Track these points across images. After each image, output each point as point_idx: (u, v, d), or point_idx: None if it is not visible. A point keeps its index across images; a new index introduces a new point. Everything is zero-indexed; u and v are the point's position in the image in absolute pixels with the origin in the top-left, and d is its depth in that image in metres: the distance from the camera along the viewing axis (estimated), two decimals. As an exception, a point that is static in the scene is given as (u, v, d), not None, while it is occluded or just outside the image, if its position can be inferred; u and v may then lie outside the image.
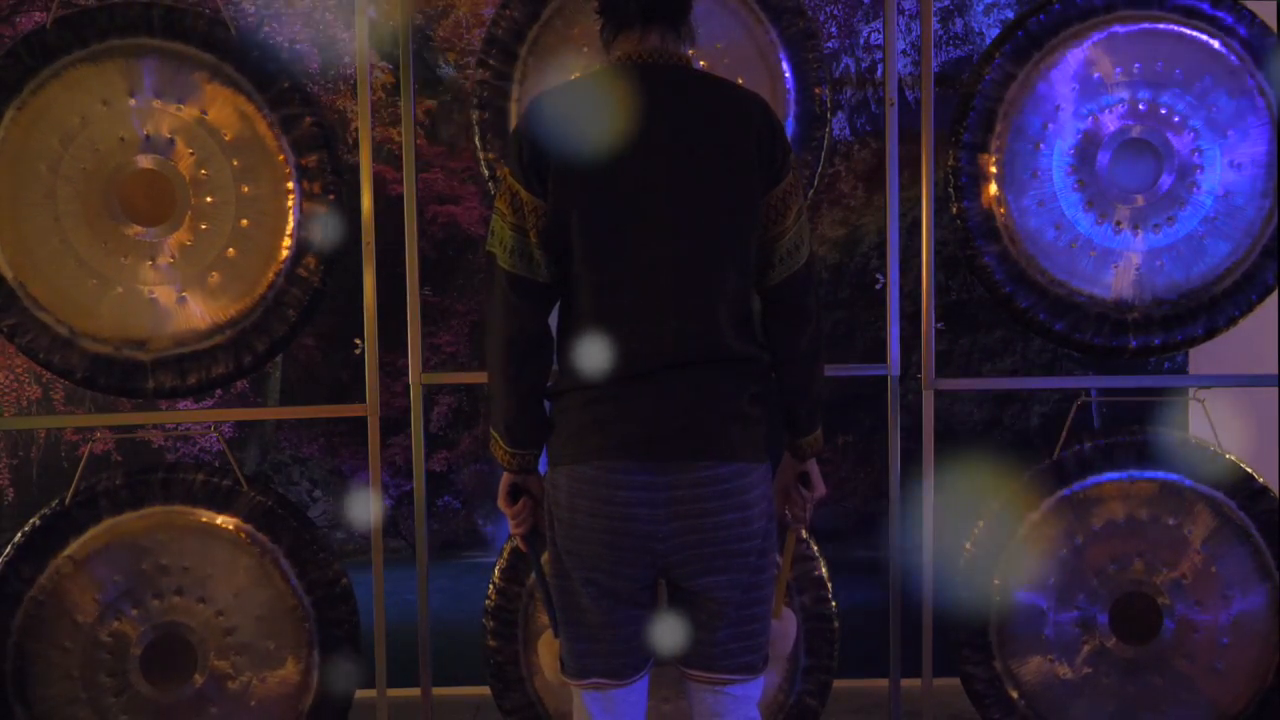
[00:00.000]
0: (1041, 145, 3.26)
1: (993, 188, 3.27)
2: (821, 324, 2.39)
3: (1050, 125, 3.25)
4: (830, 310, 4.27)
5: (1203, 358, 4.06)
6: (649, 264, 2.22)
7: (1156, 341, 3.31)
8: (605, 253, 2.23)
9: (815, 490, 2.50)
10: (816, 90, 3.23)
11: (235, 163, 3.21)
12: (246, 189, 3.22)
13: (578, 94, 2.29)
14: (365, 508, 3.37)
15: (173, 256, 3.22)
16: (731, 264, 2.25)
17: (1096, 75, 3.24)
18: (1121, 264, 3.29)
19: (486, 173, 3.27)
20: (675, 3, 2.30)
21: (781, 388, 2.36)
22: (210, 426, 3.70)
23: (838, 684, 3.34)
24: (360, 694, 3.36)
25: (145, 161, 3.20)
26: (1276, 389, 3.48)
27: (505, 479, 2.41)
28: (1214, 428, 3.35)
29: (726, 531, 2.24)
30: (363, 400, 3.36)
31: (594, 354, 2.26)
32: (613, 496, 2.22)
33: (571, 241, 2.23)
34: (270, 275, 3.24)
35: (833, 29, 4.27)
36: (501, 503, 2.44)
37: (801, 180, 2.39)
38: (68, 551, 3.23)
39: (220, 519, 3.27)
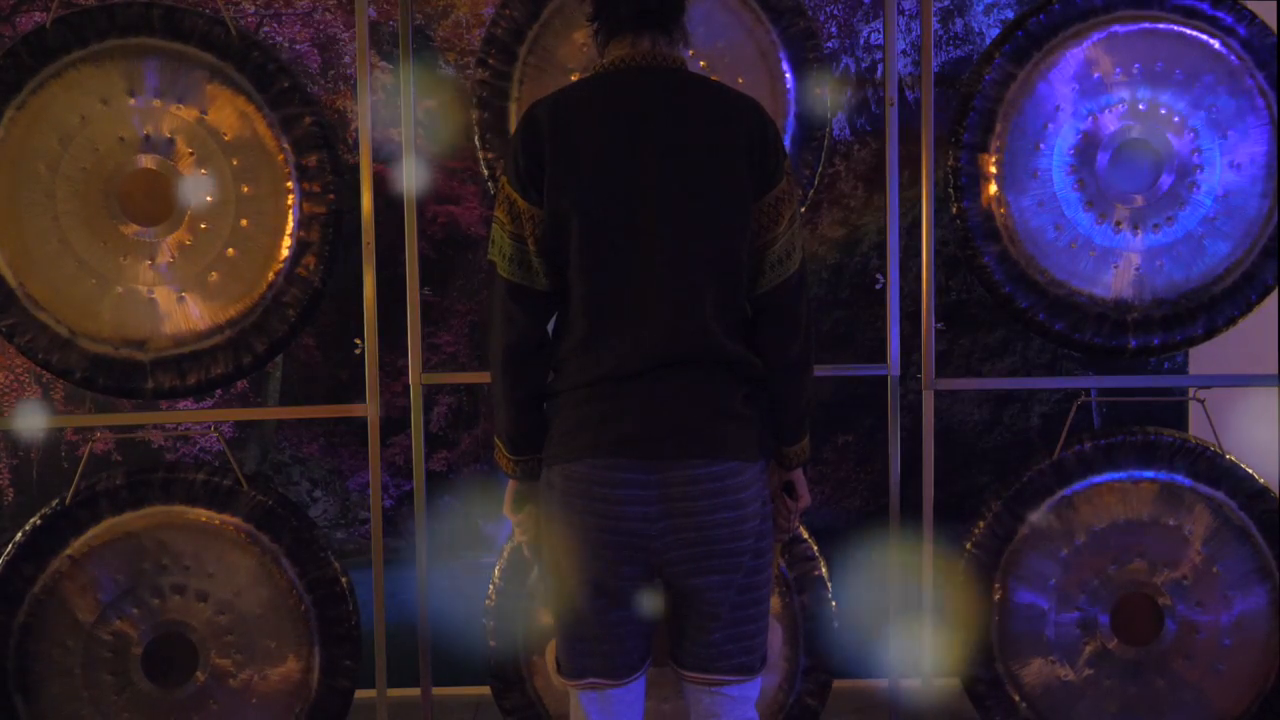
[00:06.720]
0: (1041, 145, 3.26)
1: (993, 188, 3.27)
2: (813, 333, 2.38)
3: (1050, 125, 3.26)
4: (830, 310, 4.26)
5: (1203, 358, 4.06)
6: (641, 266, 2.23)
7: (1156, 341, 3.31)
8: (598, 256, 2.23)
9: (800, 500, 2.48)
10: (817, 90, 3.23)
11: (235, 162, 3.21)
12: (246, 189, 3.22)
13: (571, 100, 2.30)
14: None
15: (172, 256, 3.22)
16: (723, 267, 2.25)
17: (1096, 75, 3.24)
18: (1121, 264, 3.30)
19: (486, 173, 3.27)
20: (667, 7, 2.31)
21: (769, 396, 2.35)
22: (210, 426, 3.71)
23: (838, 684, 3.34)
24: (360, 694, 3.36)
25: (145, 161, 3.20)
26: (1276, 389, 3.48)
27: (510, 486, 2.42)
28: (1214, 428, 3.35)
29: (719, 531, 2.24)
30: (363, 400, 3.36)
31: (587, 354, 2.26)
32: (606, 495, 2.22)
33: (567, 247, 2.24)
34: (270, 275, 3.24)
35: (833, 29, 4.27)
36: (507, 510, 2.44)
37: (796, 189, 2.39)
38: (68, 551, 3.24)
39: (220, 519, 3.27)
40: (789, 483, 2.47)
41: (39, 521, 3.26)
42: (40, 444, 4.15)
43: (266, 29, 4.20)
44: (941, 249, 3.98)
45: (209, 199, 3.22)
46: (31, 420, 3.74)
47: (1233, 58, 3.25)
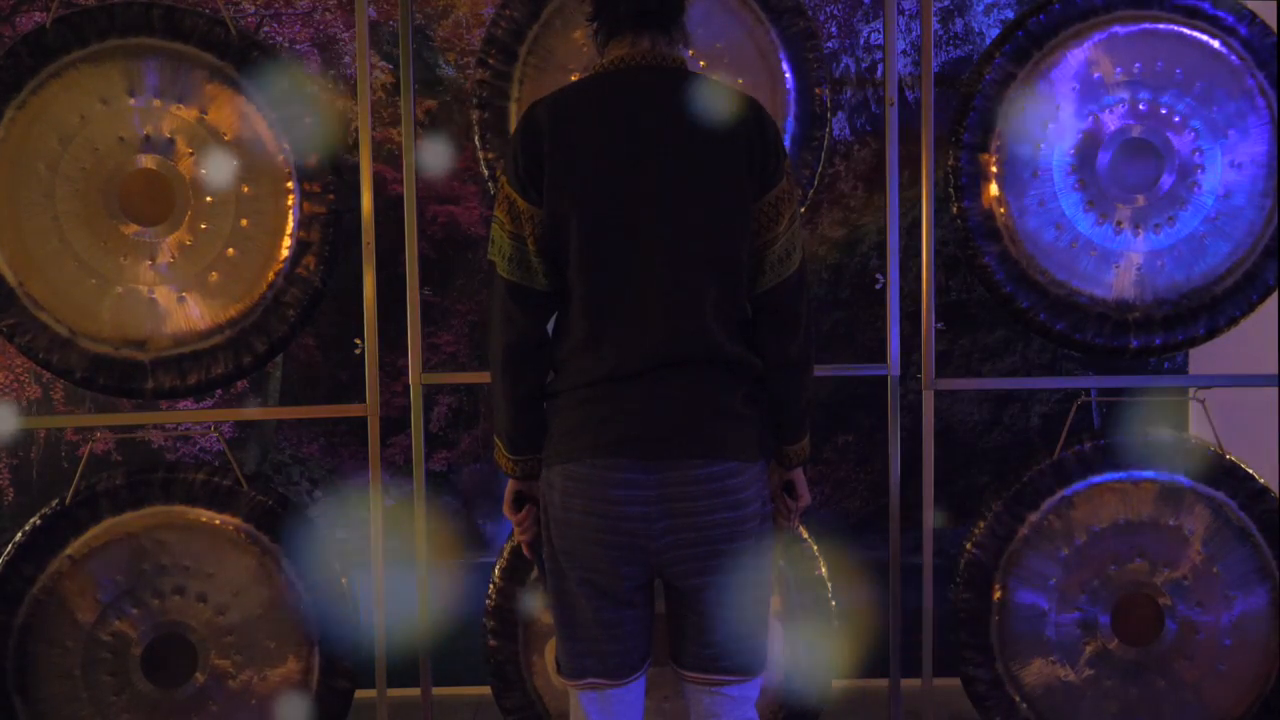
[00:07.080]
0: (1042, 145, 3.26)
1: (993, 188, 3.27)
2: (813, 333, 2.38)
3: (1051, 125, 3.25)
4: (830, 310, 4.26)
5: (1203, 358, 4.06)
6: (641, 266, 2.23)
7: (1157, 341, 3.31)
8: (598, 256, 2.24)
9: (800, 499, 2.48)
10: (816, 90, 3.23)
11: (235, 163, 3.21)
12: (246, 189, 3.22)
13: (570, 100, 2.30)
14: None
15: (172, 256, 3.22)
16: (723, 267, 2.25)
17: (1097, 75, 3.24)
18: (1122, 264, 3.29)
19: (486, 173, 3.27)
20: (667, 7, 2.31)
21: (769, 395, 2.35)
22: (210, 426, 3.70)
23: (838, 684, 3.34)
24: (360, 694, 3.36)
25: (145, 161, 3.20)
26: (1276, 389, 3.48)
27: (510, 486, 2.42)
28: (1214, 428, 3.35)
29: (718, 531, 2.24)
30: (363, 400, 3.36)
31: (587, 355, 2.26)
32: (605, 495, 2.22)
33: (567, 247, 2.24)
34: (270, 275, 3.24)
35: (833, 29, 4.27)
36: (507, 510, 2.44)
37: (796, 189, 2.39)
38: (68, 551, 3.23)
39: (220, 519, 3.27)
40: (789, 482, 2.47)
41: (39, 521, 3.26)
42: (40, 444, 4.15)
43: (266, 29, 4.20)
44: (941, 249, 3.98)
45: (209, 199, 3.22)
46: (31, 420, 3.74)
47: (1233, 58, 3.25)
